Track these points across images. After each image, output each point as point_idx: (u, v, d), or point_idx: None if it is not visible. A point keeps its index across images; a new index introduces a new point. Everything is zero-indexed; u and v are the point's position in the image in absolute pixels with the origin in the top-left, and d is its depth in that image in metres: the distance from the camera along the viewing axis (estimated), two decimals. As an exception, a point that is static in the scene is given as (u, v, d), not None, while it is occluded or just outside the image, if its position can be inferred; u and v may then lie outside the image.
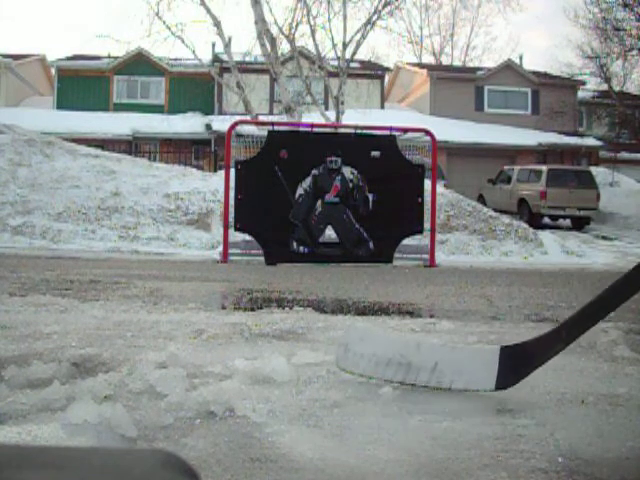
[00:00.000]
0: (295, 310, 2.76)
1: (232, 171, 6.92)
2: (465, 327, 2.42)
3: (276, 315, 2.55)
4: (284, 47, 17.57)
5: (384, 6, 17.72)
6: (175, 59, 25.60)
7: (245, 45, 41.33)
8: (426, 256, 7.17)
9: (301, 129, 7.89)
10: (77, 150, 11.32)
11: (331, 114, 17.86)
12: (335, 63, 18.88)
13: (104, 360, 1.71)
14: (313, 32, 17.35)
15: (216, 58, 25.57)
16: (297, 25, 16.90)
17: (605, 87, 27.53)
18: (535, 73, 29.62)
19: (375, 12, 17.66)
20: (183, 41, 16.98)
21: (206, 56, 24.32)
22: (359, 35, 17.83)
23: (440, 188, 9.50)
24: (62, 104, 27.34)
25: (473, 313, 3.07)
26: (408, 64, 32.72)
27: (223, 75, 21.98)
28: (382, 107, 27.15)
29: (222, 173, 8.69)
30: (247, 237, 6.94)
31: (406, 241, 7.11)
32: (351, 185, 6.92)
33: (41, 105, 28.20)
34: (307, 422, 1.33)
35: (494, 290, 4.22)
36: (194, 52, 17.45)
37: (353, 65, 20.72)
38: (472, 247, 9.38)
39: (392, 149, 7.06)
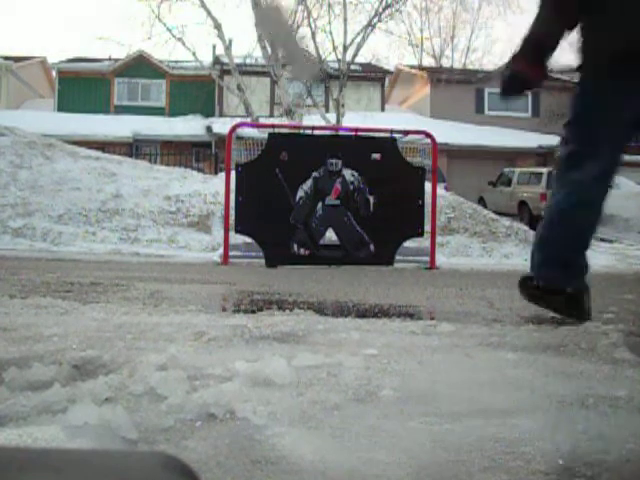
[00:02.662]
0: (295, 312, 2.76)
1: (233, 173, 6.93)
2: (465, 329, 2.42)
3: (277, 317, 2.55)
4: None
5: (384, 9, 17.74)
6: (176, 61, 25.66)
7: (246, 47, 41.39)
8: (426, 258, 7.18)
9: (302, 131, 7.90)
10: (78, 152, 11.34)
11: (332, 116, 17.86)
12: (336, 65, 18.89)
13: (104, 362, 1.71)
14: (314, 34, 17.38)
15: (217, 60, 25.62)
16: (298, 27, 16.93)
17: (605, 89, 27.53)
18: (535, 75, 29.61)
19: (375, 15, 17.70)
20: (184, 44, 17.03)
21: (207, 58, 24.40)
22: (359, 38, 17.86)
23: (440, 190, 9.50)
24: (63, 106, 27.38)
25: (474, 315, 3.07)
26: (408, 67, 32.74)
27: (224, 77, 22.01)
28: (382, 110, 27.19)
29: (223, 175, 8.69)
30: (247, 239, 6.94)
31: (407, 243, 7.12)
32: (352, 187, 6.93)
33: (42, 107, 28.25)
34: (307, 424, 1.33)
35: (495, 292, 4.22)
36: (195, 55, 17.49)
37: (354, 68, 20.77)
38: (472, 249, 9.38)
39: (393, 151, 7.06)
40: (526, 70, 2.46)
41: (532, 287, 2.80)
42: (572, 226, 2.58)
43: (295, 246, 6.77)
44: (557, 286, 2.71)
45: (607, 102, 2.39)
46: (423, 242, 7.45)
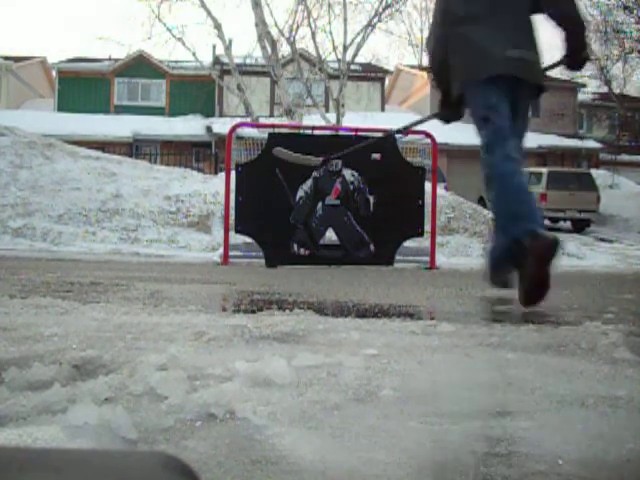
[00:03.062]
0: (295, 312, 2.76)
1: (233, 173, 6.92)
2: (465, 329, 2.42)
3: (277, 317, 2.55)
4: (285, 49, 17.60)
5: (384, 9, 17.75)
6: (176, 61, 25.67)
7: (246, 47, 41.43)
8: (426, 258, 7.17)
9: (302, 131, 7.90)
10: (78, 152, 11.34)
11: (331, 116, 17.86)
12: (335, 65, 18.91)
13: (105, 362, 1.71)
14: (314, 34, 17.39)
15: (217, 60, 25.63)
16: (297, 27, 16.95)
17: (605, 89, 27.54)
18: (535, 75, 29.57)
19: (375, 15, 17.70)
20: (184, 44, 17.04)
21: (207, 58, 24.41)
22: (359, 37, 17.87)
23: (440, 190, 9.51)
24: (63, 106, 27.38)
25: (473, 315, 3.08)
26: (408, 66, 32.72)
27: (224, 77, 22.02)
28: (382, 110, 27.18)
29: (223, 175, 8.70)
30: (247, 239, 6.94)
31: (406, 243, 7.11)
32: (352, 187, 6.93)
33: (42, 107, 28.25)
34: (307, 424, 1.33)
35: (495, 292, 4.22)
36: (195, 54, 17.49)
37: (353, 67, 20.78)
38: (472, 249, 9.38)
39: (393, 151, 7.06)
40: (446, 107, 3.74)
41: (500, 261, 3.35)
42: (512, 188, 3.22)
43: (295, 246, 6.76)
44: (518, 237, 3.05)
45: (486, 102, 3.42)
46: (423, 242, 7.45)
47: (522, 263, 2.99)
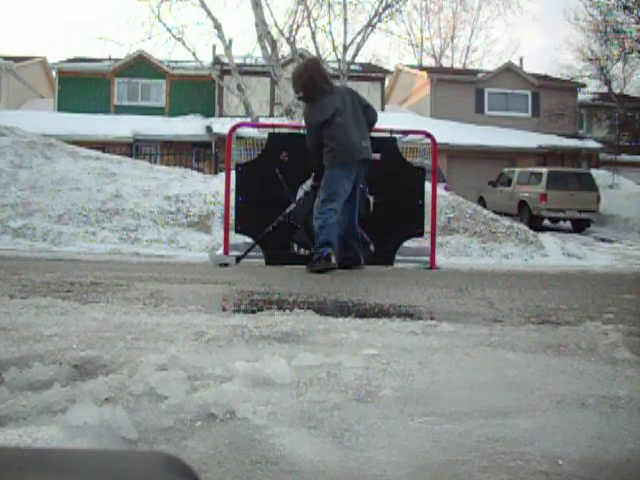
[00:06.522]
0: (295, 312, 2.76)
1: (233, 173, 6.92)
2: (465, 329, 2.42)
3: (276, 317, 2.55)
4: (285, 49, 17.58)
5: (384, 9, 17.76)
6: (176, 61, 25.65)
7: (246, 47, 41.36)
8: (426, 258, 7.17)
9: (302, 131, 7.89)
10: (78, 152, 11.34)
11: (331, 116, 17.73)
12: (335, 65, 18.92)
13: (105, 362, 1.71)
14: (314, 34, 17.38)
15: (217, 60, 25.64)
16: (297, 28, 16.93)
17: (605, 89, 27.56)
18: (535, 75, 29.61)
19: (376, 15, 17.71)
20: (184, 44, 17.03)
21: (207, 58, 24.40)
22: (359, 37, 17.87)
23: (440, 190, 9.50)
24: (63, 106, 27.37)
25: (474, 315, 3.07)
26: (408, 66, 32.74)
27: (224, 77, 22.04)
28: (382, 109, 27.16)
29: (223, 175, 8.69)
30: (247, 239, 6.93)
31: (407, 243, 7.11)
32: (352, 187, 6.90)
33: (42, 107, 28.24)
34: (307, 424, 1.33)
35: (494, 292, 4.22)
36: (195, 55, 17.48)
37: (354, 67, 20.78)
38: (472, 249, 9.38)
39: (393, 151, 7.05)
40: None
41: (318, 261, 5.58)
42: (331, 230, 5.75)
43: (295, 246, 6.76)
44: (329, 253, 5.57)
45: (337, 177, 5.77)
46: (423, 242, 7.45)
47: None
